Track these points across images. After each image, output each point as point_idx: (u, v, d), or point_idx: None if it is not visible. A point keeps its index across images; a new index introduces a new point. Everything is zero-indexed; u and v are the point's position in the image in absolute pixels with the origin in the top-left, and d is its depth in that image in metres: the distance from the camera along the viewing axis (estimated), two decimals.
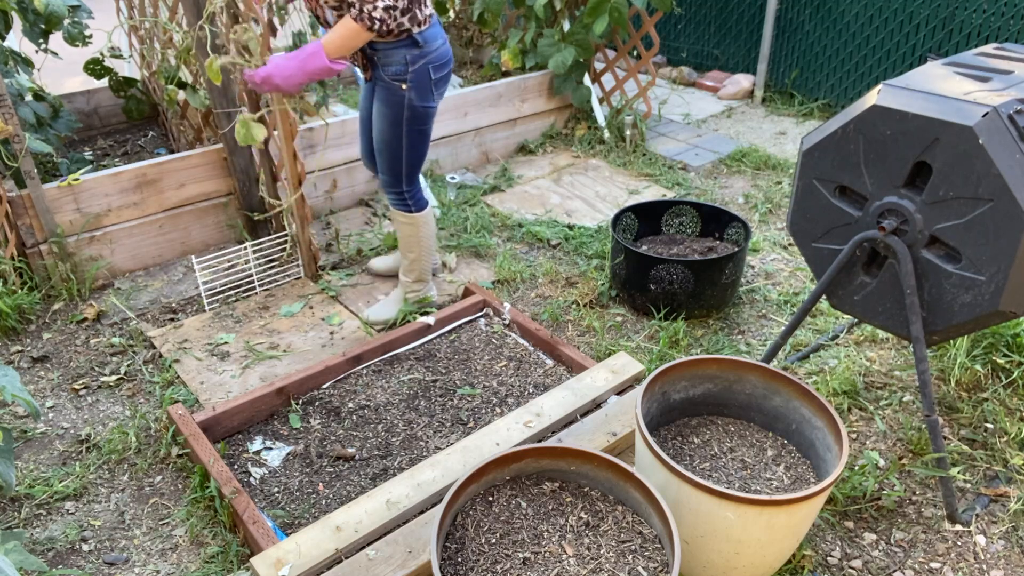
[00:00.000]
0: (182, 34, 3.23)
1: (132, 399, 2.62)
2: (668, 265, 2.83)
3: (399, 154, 2.64)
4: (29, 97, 3.58)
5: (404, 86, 2.49)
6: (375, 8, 2.31)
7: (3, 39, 3.32)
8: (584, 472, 1.84)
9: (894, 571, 1.98)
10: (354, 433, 2.41)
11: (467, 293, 3.06)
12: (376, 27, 2.33)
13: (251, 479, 2.26)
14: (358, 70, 2.68)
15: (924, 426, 2.37)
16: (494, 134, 4.38)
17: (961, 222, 1.83)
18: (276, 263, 3.25)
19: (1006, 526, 2.10)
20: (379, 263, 3.30)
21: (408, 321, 2.91)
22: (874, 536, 2.08)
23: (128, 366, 2.76)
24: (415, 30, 2.43)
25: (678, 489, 1.73)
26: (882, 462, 2.29)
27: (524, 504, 1.81)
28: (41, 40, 3.49)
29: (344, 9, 2.37)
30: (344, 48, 2.36)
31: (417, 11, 2.42)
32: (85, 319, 2.99)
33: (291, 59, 2.38)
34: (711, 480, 1.94)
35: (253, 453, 2.35)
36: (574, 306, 3.08)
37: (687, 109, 5.24)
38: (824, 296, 2.22)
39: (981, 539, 2.06)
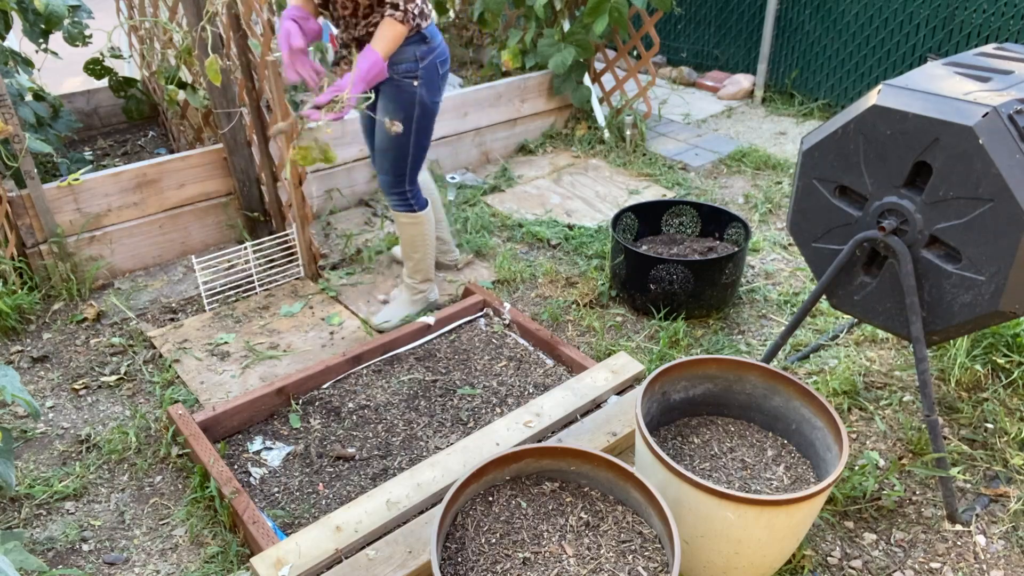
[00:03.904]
0: (182, 34, 3.23)
1: (132, 399, 2.62)
2: (668, 265, 2.83)
3: (406, 152, 2.63)
4: (29, 97, 3.58)
5: (416, 82, 2.50)
6: (415, 4, 2.34)
7: (3, 39, 3.32)
8: (584, 472, 1.84)
9: (894, 571, 1.98)
10: (354, 433, 2.41)
11: (467, 293, 3.06)
12: (412, 23, 2.36)
13: (251, 479, 2.26)
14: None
15: (924, 426, 2.37)
16: (494, 134, 4.38)
17: (961, 222, 1.83)
18: (276, 263, 3.25)
19: (1006, 526, 2.10)
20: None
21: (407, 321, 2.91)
22: (874, 536, 2.08)
23: (128, 366, 2.76)
24: (423, 24, 2.46)
25: (678, 489, 1.73)
26: (882, 462, 2.29)
27: (524, 504, 1.81)
28: (41, 40, 3.49)
29: (372, 9, 2.38)
30: (393, 50, 2.37)
31: (424, 6, 2.46)
32: (85, 319, 2.99)
33: (358, 78, 2.28)
34: (711, 480, 1.94)
35: (253, 453, 2.35)
36: (574, 306, 3.08)
37: (687, 109, 5.24)
38: (824, 296, 2.22)
39: (981, 539, 2.06)
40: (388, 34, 2.33)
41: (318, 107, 2.24)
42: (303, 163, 2.34)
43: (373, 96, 2.41)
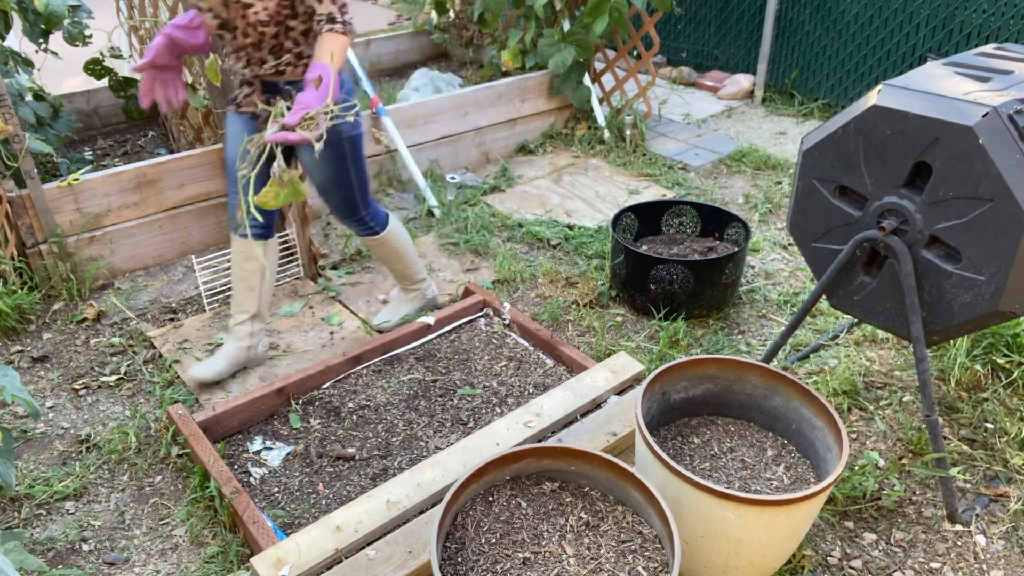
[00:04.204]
0: None
1: (132, 399, 2.62)
2: (668, 265, 2.83)
3: (351, 186, 2.48)
4: (29, 97, 3.58)
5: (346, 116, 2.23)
6: (349, 15, 2.13)
7: (3, 39, 3.32)
8: (584, 472, 1.84)
9: (894, 571, 1.98)
10: (354, 433, 2.41)
11: (467, 293, 3.06)
12: (352, 36, 2.18)
13: (251, 479, 2.26)
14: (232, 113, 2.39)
15: (924, 426, 2.37)
16: (494, 134, 4.38)
17: (961, 222, 1.83)
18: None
19: (1006, 526, 2.10)
20: (209, 369, 2.84)
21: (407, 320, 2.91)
22: (874, 536, 2.08)
23: (128, 366, 2.76)
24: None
25: (678, 489, 1.73)
26: (882, 462, 2.29)
27: (524, 504, 1.81)
28: (41, 40, 3.49)
29: (281, 45, 2.17)
30: (342, 65, 2.16)
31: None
32: (85, 319, 2.99)
33: (325, 93, 2.04)
34: (711, 480, 1.94)
35: (253, 453, 2.35)
36: (574, 306, 3.08)
37: (687, 109, 5.24)
38: (824, 296, 2.22)
39: (981, 539, 2.06)
40: (339, 48, 2.09)
41: (286, 128, 1.96)
42: (273, 204, 2.00)
43: (358, 105, 2.27)
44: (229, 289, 3.16)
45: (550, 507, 1.81)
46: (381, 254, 2.77)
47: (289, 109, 2.01)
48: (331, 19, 2.12)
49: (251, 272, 2.61)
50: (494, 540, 1.72)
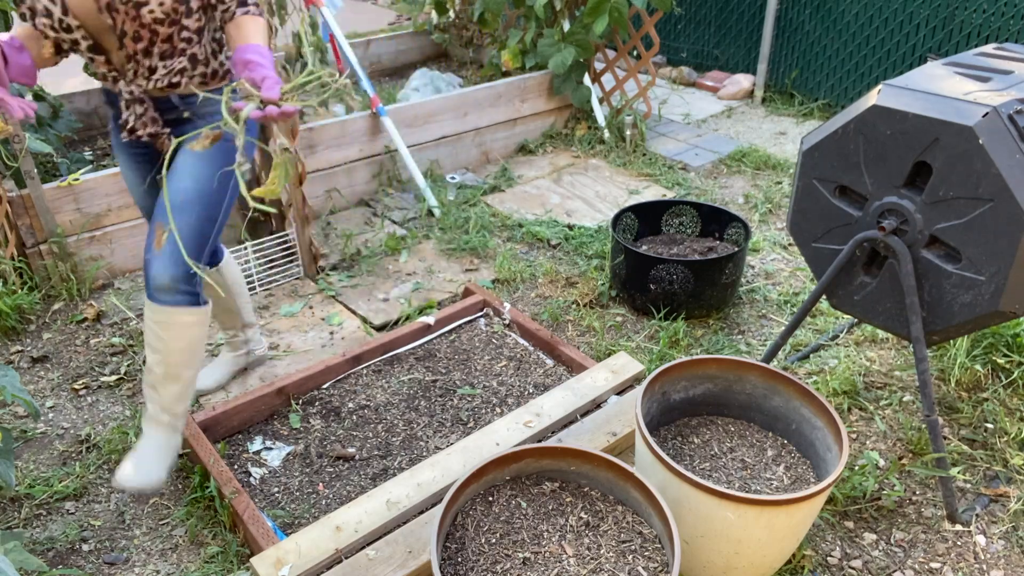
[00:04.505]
0: None
1: (132, 399, 2.62)
2: (668, 265, 2.83)
3: (216, 214, 2.03)
4: (29, 97, 3.58)
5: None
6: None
7: None
8: (584, 472, 1.84)
9: (894, 571, 1.98)
10: (354, 433, 2.41)
11: (467, 293, 3.06)
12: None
13: (251, 479, 2.26)
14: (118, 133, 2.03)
15: (924, 426, 2.37)
16: (494, 134, 4.38)
17: (961, 222, 1.83)
18: (276, 263, 3.25)
19: (1006, 526, 2.10)
20: (208, 378, 2.61)
21: (405, 320, 2.91)
22: (874, 536, 2.08)
23: (128, 366, 2.76)
24: None
25: (678, 489, 1.73)
26: (882, 462, 2.29)
27: (524, 504, 1.81)
28: None
29: (173, 47, 1.91)
30: None
31: None
32: (85, 319, 2.99)
33: (272, 68, 1.77)
34: (711, 480, 1.94)
35: (253, 453, 2.35)
36: (574, 306, 3.08)
37: (687, 109, 5.24)
38: (824, 296, 2.22)
39: (981, 539, 2.06)
40: (262, 30, 1.87)
41: (265, 103, 1.65)
42: (277, 191, 1.69)
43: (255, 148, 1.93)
44: None
45: (550, 507, 1.81)
46: (186, 341, 2.06)
47: (235, 97, 1.68)
48: (242, 2, 1.91)
49: (216, 305, 2.44)
50: (494, 540, 1.72)
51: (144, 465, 2.01)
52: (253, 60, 1.75)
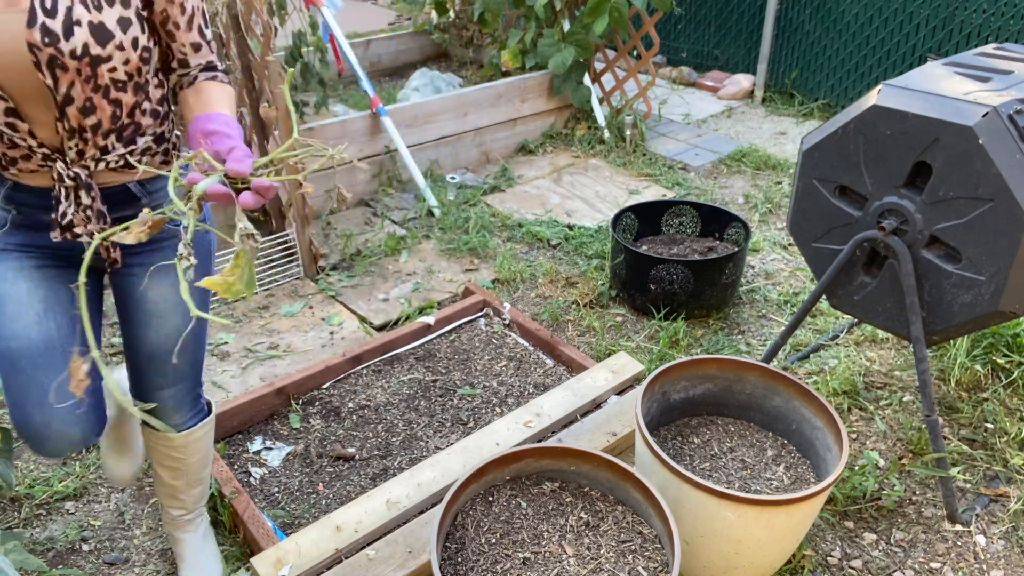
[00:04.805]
0: None
1: None
2: (668, 265, 2.83)
3: (203, 339, 1.74)
4: None
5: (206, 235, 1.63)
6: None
7: None
8: (584, 472, 1.84)
9: (894, 571, 1.98)
10: (354, 433, 2.41)
11: (467, 293, 3.06)
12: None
13: (251, 479, 2.26)
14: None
15: (924, 426, 2.37)
16: (494, 134, 4.38)
17: (961, 222, 1.83)
18: (276, 263, 3.25)
19: (1006, 526, 2.10)
20: (116, 469, 1.99)
21: (405, 319, 2.91)
22: (874, 536, 2.08)
23: None
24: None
25: (678, 489, 1.73)
26: (882, 462, 2.29)
27: (524, 504, 1.81)
28: None
29: (135, 125, 1.48)
30: None
31: None
32: None
33: (241, 140, 1.37)
34: (711, 480, 1.94)
35: (253, 453, 2.35)
36: (574, 306, 3.08)
37: (687, 109, 5.24)
38: (824, 296, 2.22)
39: (981, 539, 2.06)
40: (229, 99, 1.52)
41: (233, 182, 1.28)
42: (235, 293, 1.27)
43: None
44: None
45: (550, 507, 1.81)
46: (202, 451, 1.83)
47: (186, 172, 1.27)
48: (210, 67, 1.54)
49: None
50: (494, 540, 1.72)
51: (202, 569, 1.91)
52: (219, 131, 1.35)
